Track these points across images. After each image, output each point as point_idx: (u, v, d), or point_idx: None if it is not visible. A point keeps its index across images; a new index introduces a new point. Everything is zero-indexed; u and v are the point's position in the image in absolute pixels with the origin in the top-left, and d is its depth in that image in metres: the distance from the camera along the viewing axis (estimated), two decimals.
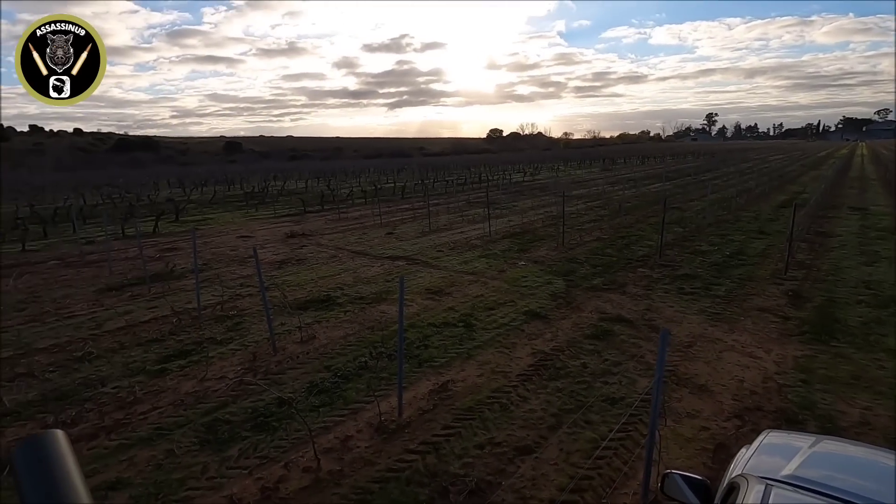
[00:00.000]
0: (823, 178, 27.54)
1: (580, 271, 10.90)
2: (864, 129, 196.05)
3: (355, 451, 4.74)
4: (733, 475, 2.59)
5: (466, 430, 5.04)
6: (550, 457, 4.58)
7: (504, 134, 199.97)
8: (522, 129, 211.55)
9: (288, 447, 4.84)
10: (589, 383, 5.92)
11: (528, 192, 28.27)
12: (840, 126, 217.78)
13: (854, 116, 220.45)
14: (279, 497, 4.14)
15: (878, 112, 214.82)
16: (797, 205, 10.65)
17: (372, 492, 4.17)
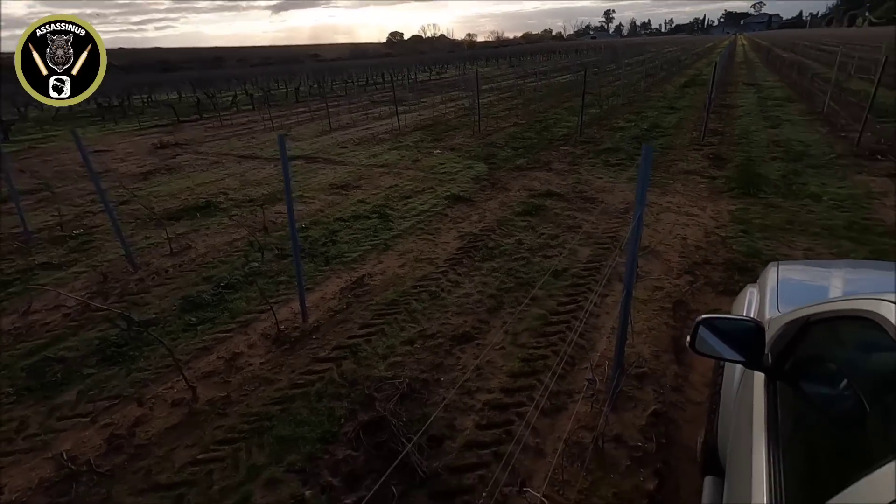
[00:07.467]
0: (716, 64, 28.38)
1: (501, 154, 9.96)
2: (742, 22, 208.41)
3: (246, 371, 3.60)
4: (774, 315, 1.81)
5: (391, 326, 4.07)
6: (495, 341, 3.78)
7: (405, 38, 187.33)
8: (424, 32, 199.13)
9: (153, 379, 3.59)
10: (527, 259, 5.15)
11: (435, 88, 26.27)
12: (722, 20, 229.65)
13: (734, 11, 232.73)
14: (134, 445, 2.96)
15: (753, 5, 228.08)
16: (703, 83, 10.27)
17: (271, 416, 3.12)
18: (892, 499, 0.77)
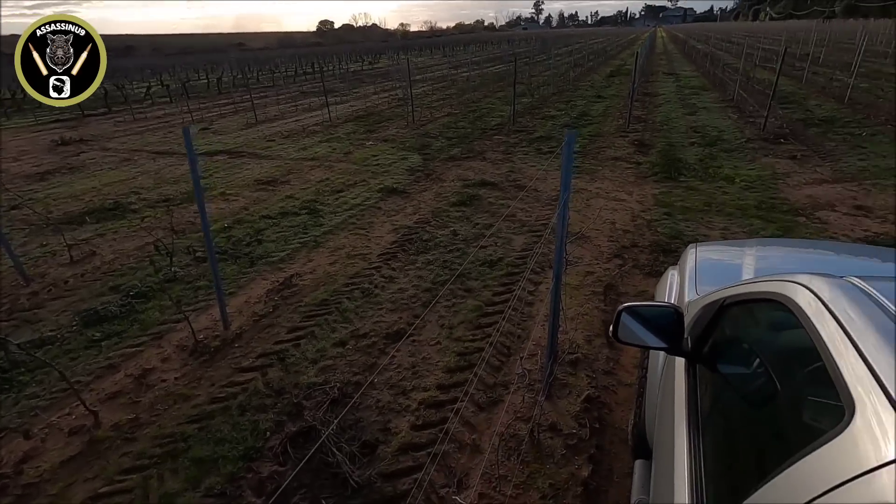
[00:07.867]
0: (638, 54, 29.77)
1: (435, 145, 9.86)
2: (660, 15, 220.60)
3: (158, 388, 3.28)
4: (693, 298, 1.83)
5: (321, 327, 3.87)
6: (430, 337, 3.69)
7: (336, 27, 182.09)
8: (356, 21, 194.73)
9: (46, 406, 3.18)
10: (462, 250, 5.09)
11: (368, 79, 25.68)
12: (643, 13, 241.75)
13: (654, 4, 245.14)
14: (21, 485, 2.59)
15: (670, 0, 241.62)
16: (628, 73, 10.69)
17: (187, 437, 2.85)
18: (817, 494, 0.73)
